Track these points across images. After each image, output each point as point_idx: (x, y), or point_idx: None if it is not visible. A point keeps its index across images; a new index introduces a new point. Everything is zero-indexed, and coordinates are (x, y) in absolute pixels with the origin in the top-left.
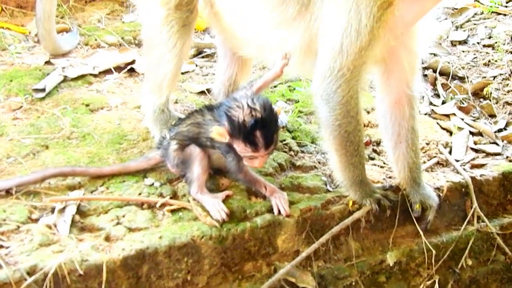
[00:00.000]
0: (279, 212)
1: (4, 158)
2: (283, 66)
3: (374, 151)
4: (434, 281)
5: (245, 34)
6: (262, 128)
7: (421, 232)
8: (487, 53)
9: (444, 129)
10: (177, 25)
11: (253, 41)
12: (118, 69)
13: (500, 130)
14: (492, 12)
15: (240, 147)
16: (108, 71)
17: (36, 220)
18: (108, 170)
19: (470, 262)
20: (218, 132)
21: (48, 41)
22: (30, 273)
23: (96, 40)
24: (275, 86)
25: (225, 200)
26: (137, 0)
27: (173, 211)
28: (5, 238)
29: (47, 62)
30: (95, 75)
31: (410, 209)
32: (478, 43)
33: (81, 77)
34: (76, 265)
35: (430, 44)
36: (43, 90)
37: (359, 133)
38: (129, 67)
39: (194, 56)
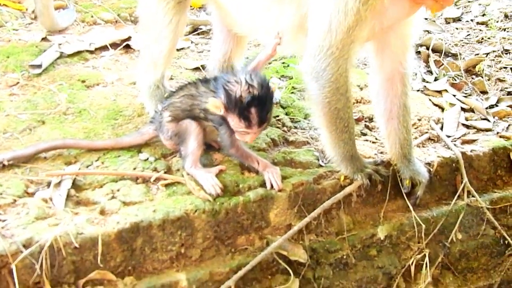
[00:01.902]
0: (272, 186)
1: (0, 134)
2: (276, 46)
3: (366, 127)
4: (425, 255)
5: (240, 12)
6: (257, 106)
7: (410, 207)
8: (480, 30)
9: (436, 105)
10: (173, 1)
11: (247, 20)
12: (114, 45)
13: (491, 106)
14: None
15: (234, 121)
16: (104, 48)
17: (32, 194)
18: (101, 144)
19: (460, 236)
20: (214, 104)
21: (45, 17)
22: (26, 246)
23: (92, 17)
24: (269, 63)
25: (218, 175)
26: None
27: (167, 186)
28: (2, 212)
29: (44, 39)
30: (91, 52)
31: (400, 184)
32: (471, 20)
33: (77, 53)
34: (71, 238)
35: (423, 23)
36: (39, 66)
37: (348, 110)
38: (125, 43)
39: (190, 33)
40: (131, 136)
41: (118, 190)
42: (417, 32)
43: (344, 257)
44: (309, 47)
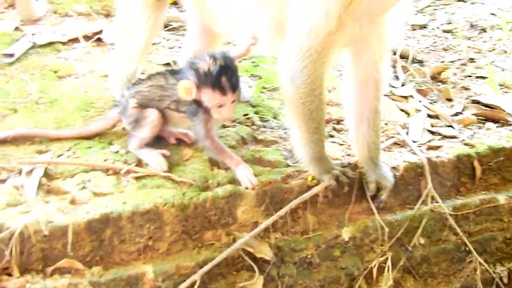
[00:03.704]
0: (245, 185)
1: None
2: (250, 47)
3: (334, 129)
4: (387, 258)
5: (220, 10)
6: (226, 73)
7: (374, 210)
8: (446, 38)
9: (402, 110)
10: None
11: (227, 18)
12: (86, 38)
13: (456, 114)
14: None
15: (208, 95)
16: (76, 40)
17: (4, 181)
18: (68, 134)
19: (422, 241)
20: (186, 86)
21: (24, 5)
22: None
23: (64, 9)
24: (239, 62)
25: (187, 169)
26: None
27: (137, 178)
28: None
29: (17, 28)
30: (63, 43)
31: (365, 187)
32: (437, 28)
33: (50, 44)
34: (41, 225)
35: (401, 30)
36: (12, 55)
37: (321, 112)
38: (96, 36)
39: (161, 29)
40: (97, 123)
41: (89, 181)
42: (394, 39)
43: (309, 256)
44: (287, 48)
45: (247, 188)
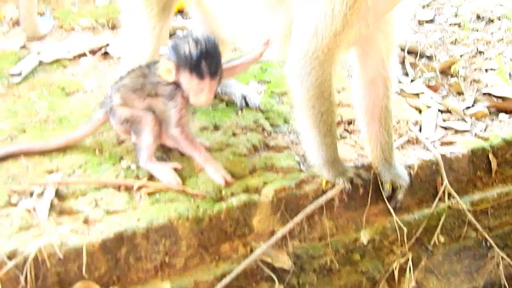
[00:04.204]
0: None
1: None
2: (263, 52)
3: (346, 130)
4: (408, 258)
5: (227, 17)
6: (206, 58)
7: (391, 211)
8: (453, 31)
9: (413, 107)
10: (156, 8)
11: (234, 25)
12: (93, 52)
13: (468, 108)
14: None
15: (186, 79)
16: (82, 55)
17: (15, 204)
18: (55, 144)
19: (442, 239)
20: (166, 66)
21: (28, 22)
22: (10, 257)
23: (70, 24)
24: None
25: (200, 181)
26: None
27: (150, 193)
28: None
29: (23, 47)
30: (69, 59)
31: (381, 188)
32: (445, 22)
33: (56, 61)
34: (55, 248)
35: (407, 27)
36: (19, 74)
37: (332, 114)
38: (103, 50)
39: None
40: (82, 128)
41: (101, 199)
42: (400, 36)
43: (328, 262)
44: (294, 51)
45: (226, 184)
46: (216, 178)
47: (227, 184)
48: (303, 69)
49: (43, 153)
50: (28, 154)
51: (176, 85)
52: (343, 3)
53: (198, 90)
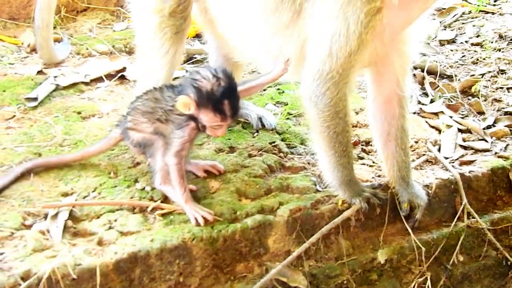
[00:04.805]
0: (196, 221)
1: None
2: (282, 73)
3: (363, 150)
4: (426, 278)
5: (240, 41)
6: (229, 97)
7: (409, 230)
8: (475, 51)
9: (432, 127)
10: (170, 32)
11: (248, 48)
12: (109, 76)
13: (488, 127)
14: (480, 11)
15: (208, 117)
16: (99, 79)
17: (30, 226)
18: (71, 158)
19: (461, 258)
20: (184, 101)
21: (45, 49)
22: (24, 278)
23: (87, 49)
24: (264, 89)
25: (215, 202)
26: (130, 7)
27: (164, 215)
28: None
29: (39, 72)
30: (86, 83)
31: (398, 208)
32: (466, 41)
33: (73, 85)
34: (69, 269)
35: (421, 46)
36: (35, 99)
37: (347, 134)
38: (120, 74)
39: (184, 62)
40: (98, 144)
41: (115, 220)
42: (414, 56)
43: (345, 282)
44: (308, 71)
45: (198, 225)
46: (192, 219)
47: (209, 222)
48: (318, 89)
49: (59, 165)
50: (46, 167)
51: (190, 117)
52: (358, 22)
53: (216, 127)
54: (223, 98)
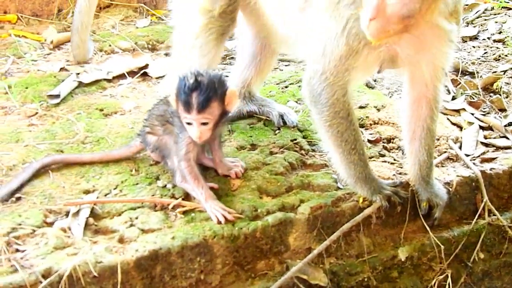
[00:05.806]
0: (218, 220)
1: (19, 164)
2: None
3: (385, 148)
4: (447, 275)
5: (285, 30)
6: (198, 91)
7: (428, 229)
8: (497, 48)
9: (454, 124)
10: (216, 33)
11: (291, 38)
12: (132, 73)
13: (510, 124)
14: (503, 7)
15: (179, 110)
16: (121, 76)
17: (51, 224)
18: (89, 157)
19: (482, 256)
20: (172, 97)
21: (81, 49)
22: (45, 276)
23: (110, 46)
24: (286, 87)
25: (236, 200)
26: (173, 6)
27: (185, 212)
28: (21, 242)
29: (62, 69)
30: (108, 80)
31: (418, 206)
32: (488, 38)
33: (95, 82)
34: (90, 267)
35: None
36: (57, 96)
37: (353, 132)
38: (142, 71)
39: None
40: (120, 150)
41: (136, 218)
42: (448, 60)
43: (365, 279)
44: (306, 71)
45: (219, 222)
46: (213, 218)
47: (229, 221)
48: (314, 89)
49: (77, 164)
50: (64, 164)
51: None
52: (342, 27)
53: (188, 124)
54: (192, 91)
